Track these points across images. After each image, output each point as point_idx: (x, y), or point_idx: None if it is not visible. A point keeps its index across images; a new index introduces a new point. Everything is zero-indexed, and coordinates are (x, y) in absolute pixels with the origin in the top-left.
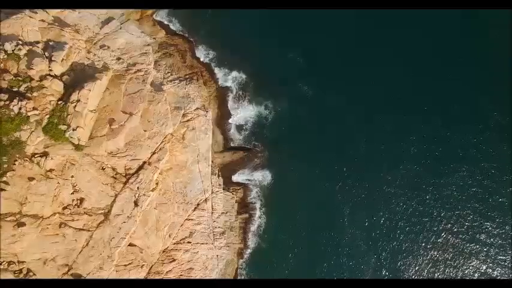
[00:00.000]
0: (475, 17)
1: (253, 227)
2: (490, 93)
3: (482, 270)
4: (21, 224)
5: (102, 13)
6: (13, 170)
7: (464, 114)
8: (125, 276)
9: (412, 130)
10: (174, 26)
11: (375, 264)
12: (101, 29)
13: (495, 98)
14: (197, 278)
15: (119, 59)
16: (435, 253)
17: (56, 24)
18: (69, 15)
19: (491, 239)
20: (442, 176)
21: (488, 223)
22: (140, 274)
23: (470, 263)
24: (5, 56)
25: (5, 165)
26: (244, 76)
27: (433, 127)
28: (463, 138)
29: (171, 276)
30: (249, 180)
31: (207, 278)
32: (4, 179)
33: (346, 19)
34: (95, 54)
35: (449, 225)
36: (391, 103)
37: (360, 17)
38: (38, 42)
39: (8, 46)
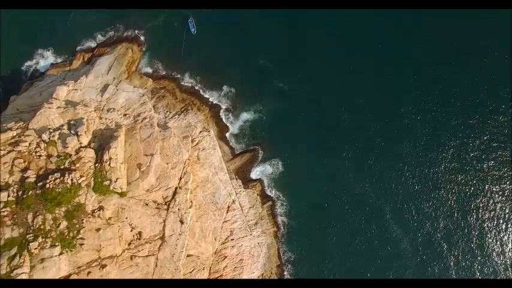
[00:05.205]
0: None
1: (278, 211)
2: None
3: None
4: (103, 266)
5: (98, 83)
6: (83, 227)
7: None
8: None
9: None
10: (157, 71)
11: (387, 218)
12: (102, 96)
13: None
14: (248, 266)
15: (125, 115)
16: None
17: (69, 105)
18: (74, 94)
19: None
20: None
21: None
22: (204, 275)
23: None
24: (45, 145)
25: (77, 225)
26: (228, 91)
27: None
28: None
29: (228, 270)
30: (261, 174)
31: (256, 264)
32: (80, 235)
33: (315, 19)
34: (106, 118)
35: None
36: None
37: (331, 17)
38: (62, 125)
39: (45, 136)
